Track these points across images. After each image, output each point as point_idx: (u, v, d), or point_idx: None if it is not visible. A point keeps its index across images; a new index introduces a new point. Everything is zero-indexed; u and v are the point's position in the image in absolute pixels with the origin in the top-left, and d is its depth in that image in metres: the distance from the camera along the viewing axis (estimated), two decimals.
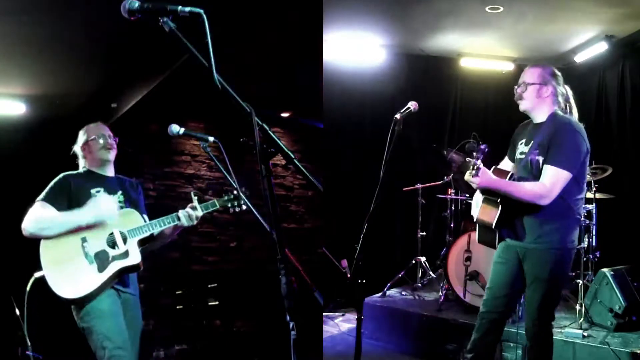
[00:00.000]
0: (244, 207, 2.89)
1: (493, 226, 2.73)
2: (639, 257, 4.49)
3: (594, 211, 4.59)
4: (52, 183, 2.75)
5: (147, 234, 2.76)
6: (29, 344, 3.92)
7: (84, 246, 2.60)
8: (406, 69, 5.85)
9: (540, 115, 2.84)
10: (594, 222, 4.58)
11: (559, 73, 2.88)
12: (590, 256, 4.50)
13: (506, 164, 3.08)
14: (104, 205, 2.66)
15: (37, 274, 2.58)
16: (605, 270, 4.00)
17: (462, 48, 5.82)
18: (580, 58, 5.74)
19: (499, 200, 2.72)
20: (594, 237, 4.56)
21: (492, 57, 6.00)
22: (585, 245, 4.37)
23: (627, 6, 4.59)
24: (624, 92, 5.52)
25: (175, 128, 2.70)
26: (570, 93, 2.90)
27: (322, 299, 1.82)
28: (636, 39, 5.25)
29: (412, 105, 2.72)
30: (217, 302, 5.62)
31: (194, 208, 2.85)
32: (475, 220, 2.83)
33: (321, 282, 5.52)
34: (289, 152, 1.54)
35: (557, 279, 2.73)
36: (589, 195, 4.51)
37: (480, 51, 5.89)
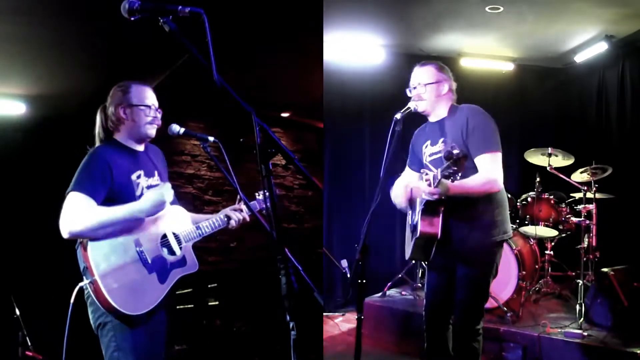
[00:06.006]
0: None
1: (439, 236, 2.61)
2: (639, 257, 4.49)
3: (594, 211, 4.59)
4: (87, 165, 2.29)
5: (201, 237, 2.55)
6: (29, 344, 3.93)
7: (140, 252, 2.28)
8: (406, 69, 5.82)
9: (439, 113, 2.82)
10: (594, 222, 4.58)
11: (446, 66, 2.87)
12: (590, 256, 4.50)
13: (409, 174, 3.02)
14: (162, 196, 2.32)
15: (82, 283, 2.20)
16: (605, 270, 4.00)
17: (462, 48, 5.82)
18: (580, 58, 5.74)
19: (441, 209, 2.62)
20: (594, 237, 4.56)
21: (492, 57, 5.99)
22: (585, 245, 4.37)
23: (627, 6, 4.59)
24: (624, 92, 5.52)
25: (175, 128, 2.66)
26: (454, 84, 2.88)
27: (322, 299, 1.82)
28: (636, 39, 5.25)
29: (412, 105, 2.72)
30: (217, 302, 5.62)
31: (241, 210, 2.68)
32: (418, 236, 2.65)
33: (321, 282, 5.53)
34: (289, 152, 1.54)
35: (486, 276, 2.72)
36: (589, 195, 4.52)
37: (480, 51, 5.88)
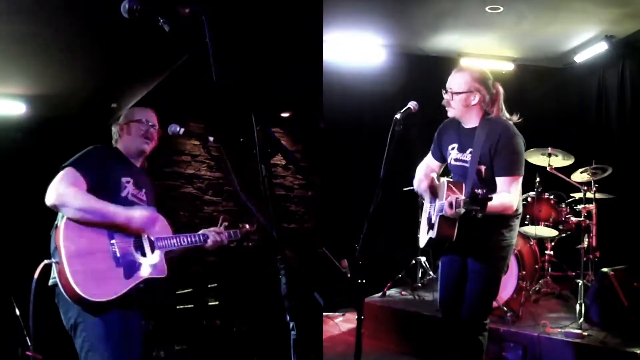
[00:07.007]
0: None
1: (454, 239, 2.68)
2: (639, 257, 4.49)
3: (593, 211, 4.59)
4: (88, 151, 2.46)
5: (175, 247, 2.61)
6: (29, 343, 3.93)
7: (112, 244, 2.34)
8: (406, 69, 5.84)
9: (470, 121, 2.84)
10: (594, 222, 4.58)
11: (488, 75, 2.84)
12: (590, 256, 4.50)
13: (430, 162, 3.09)
14: (148, 218, 2.44)
15: (47, 261, 2.24)
16: (605, 270, 4.00)
17: (462, 48, 5.82)
18: (580, 58, 5.74)
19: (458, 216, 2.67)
20: (594, 237, 4.56)
21: (492, 57, 5.99)
22: (585, 245, 4.37)
23: (627, 6, 4.59)
24: (624, 92, 5.53)
25: (175, 128, 2.68)
26: (501, 92, 2.85)
27: (322, 299, 1.82)
28: (636, 39, 5.25)
29: (412, 105, 2.73)
30: (217, 302, 5.61)
31: (220, 233, 2.78)
32: (434, 236, 2.73)
33: (321, 282, 5.53)
34: (289, 152, 1.54)
35: (498, 271, 2.79)
36: (589, 195, 4.51)
37: (480, 51, 5.88)
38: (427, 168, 3.07)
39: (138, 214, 2.41)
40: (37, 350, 3.88)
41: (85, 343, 2.28)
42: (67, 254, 2.20)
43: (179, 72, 4.46)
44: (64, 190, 2.27)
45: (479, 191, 2.32)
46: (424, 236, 2.95)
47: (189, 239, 2.67)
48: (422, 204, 5.43)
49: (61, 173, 2.34)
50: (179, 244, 2.62)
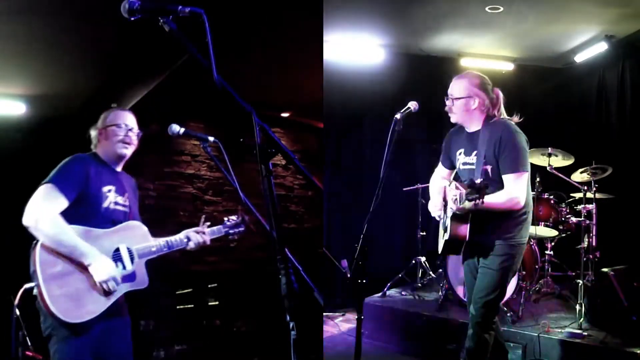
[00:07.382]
0: (240, 231, 2.93)
1: (467, 238, 2.74)
2: (639, 257, 4.49)
3: (594, 211, 4.59)
4: (66, 164, 2.40)
5: (156, 255, 2.56)
6: (29, 344, 3.93)
7: (89, 264, 2.29)
8: (406, 69, 5.84)
9: (472, 125, 2.91)
10: (594, 222, 4.58)
11: (486, 80, 2.93)
12: (590, 256, 4.50)
13: (441, 172, 3.17)
14: (106, 270, 2.31)
15: (27, 285, 2.27)
16: (605, 270, 4.00)
17: (462, 48, 5.82)
18: (580, 58, 5.74)
19: (469, 215, 2.73)
20: (594, 237, 4.56)
21: (492, 57, 5.99)
22: (585, 245, 4.37)
23: (627, 6, 4.60)
24: (624, 92, 5.53)
25: (175, 128, 2.67)
26: (500, 96, 2.93)
27: (322, 299, 1.82)
28: (636, 39, 5.25)
29: (412, 105, 2.75)
30: (217, 302, 5.62)
31: (203, 233, 2.75)
32: (448, 238, 2.78)
33: (321, 282, 5.54)
34: (289, 152, 1.54)
35: (506, 271, 2.81)
36: (589, 195, 4.51)
37: (480, 51, 5.88)
38: (439, 179, 3.16)
39: (102, 267, 2.30)
40: (37, 350, 3.89)
41: (56, 355, 2.28)
42: (44, 277, 2.20)
43: (179, 72, 4.46)
44: (42, 215, 2.25)
45: (476, 180, 2.40)
46: (441, 242, 2.99)
47: (169, 244, 2.63)
48: (422, 203, 5.46)
49: (40, 191, 2.31)
50: (159, 250, 2.58)
